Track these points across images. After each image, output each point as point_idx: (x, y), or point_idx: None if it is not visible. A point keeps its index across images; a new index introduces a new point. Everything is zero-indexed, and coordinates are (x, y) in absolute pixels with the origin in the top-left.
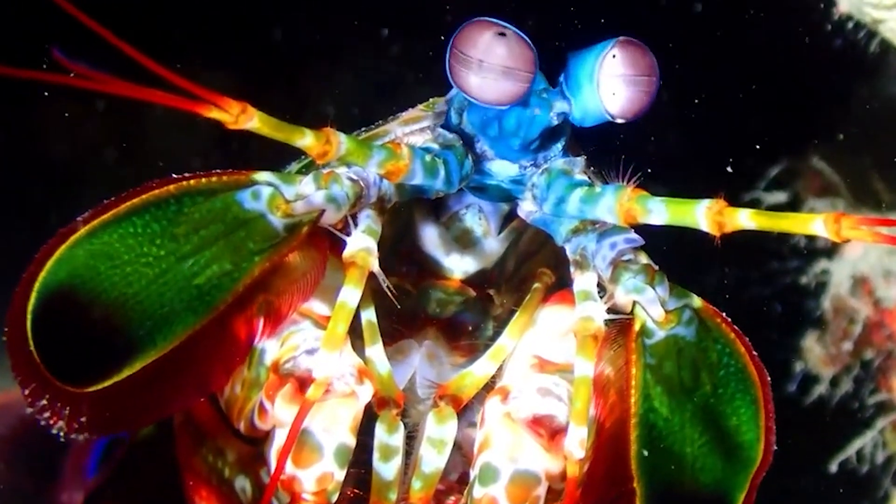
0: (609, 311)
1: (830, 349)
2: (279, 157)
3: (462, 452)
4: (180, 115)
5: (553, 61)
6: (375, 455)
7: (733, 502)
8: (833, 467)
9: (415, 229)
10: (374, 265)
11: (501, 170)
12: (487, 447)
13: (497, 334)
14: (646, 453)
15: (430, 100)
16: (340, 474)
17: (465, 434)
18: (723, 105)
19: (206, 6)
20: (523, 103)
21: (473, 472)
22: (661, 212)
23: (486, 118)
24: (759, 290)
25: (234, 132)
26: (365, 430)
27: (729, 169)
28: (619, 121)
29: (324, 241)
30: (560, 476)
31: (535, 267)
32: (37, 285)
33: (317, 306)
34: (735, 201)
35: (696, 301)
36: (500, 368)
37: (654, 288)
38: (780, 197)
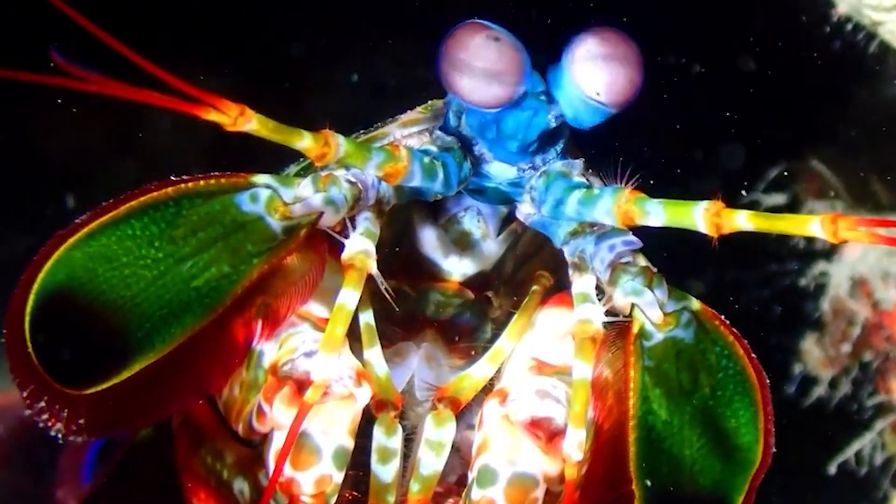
0: (607, 313)
1: (829, 351)
2: (278, 158)
3: (460, 455)
4: (181, 117)
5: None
6: (374, 457)
7: None
8: (832, 469)
9: (413, 231)
10: (373, 267)
11: (500, 172)
12: (486, 449)
13: (496, 336)
14: (644, 455)
15: (429, 102)
16: (339, 476)
17: (463, 436)
18: (722, 105)
19: (206, 6)
20: (521, 106)
21: (472, 475)
22: (658, 213)
23: (484, 121)
24: (758, 292)
25: (233, 134)
26: (363, 433)
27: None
28: (607, 105)
29: (322, 243)
30: (558, 478)
31: (533, 269)
32: (35, 287)
33: (315, 308)
34: (734, 203)
35: (695, 303)
36: (499, 371)
37: (652, 290)
38: (779, 199)
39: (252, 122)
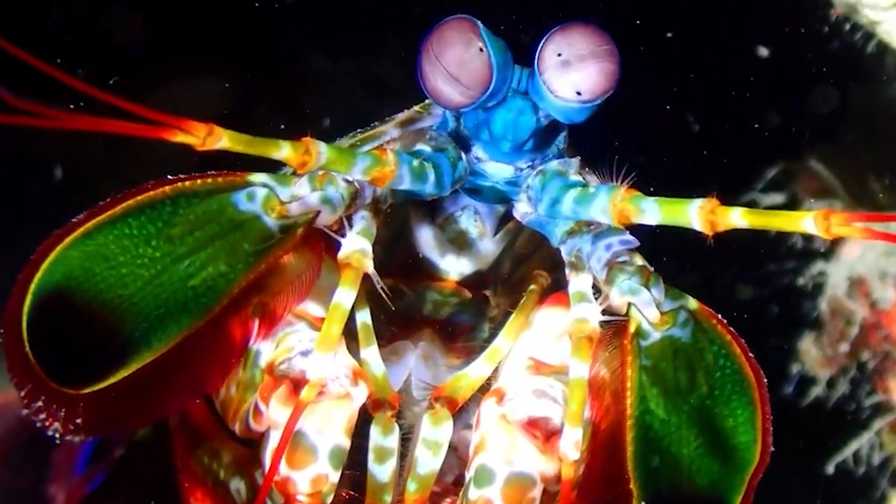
0: (604, 312)
1: (827, 351)
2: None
3: (458, 454)
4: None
5: None
6: (370, 457)
7: (730, 503)
8: (830, 468)
9: (410, 230)
10: (369, 266)
11: (496, 172)
12: (483, 449)
13: (493, 336)
14: (642, 455)
15: (427, 101)
16: (335, 476)
17: (460, 436)
18: (719, 106)
19: (204, 7)
20: (507, 107)
21: (469, 474)
22: (654, 212)
23: (477, 122)
24: (756, 292)
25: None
26: (360, 432)
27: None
28: (590, 101)
29: (319, 242)
30: (556, 478)
31: (531, 269)
32: (32, 287)
33: (312, 308)
34: (732, 203)
35: (692, 302)
36: (496, 370)
37: (649, 289)
38: (777, 198)
39: (223, 140)
